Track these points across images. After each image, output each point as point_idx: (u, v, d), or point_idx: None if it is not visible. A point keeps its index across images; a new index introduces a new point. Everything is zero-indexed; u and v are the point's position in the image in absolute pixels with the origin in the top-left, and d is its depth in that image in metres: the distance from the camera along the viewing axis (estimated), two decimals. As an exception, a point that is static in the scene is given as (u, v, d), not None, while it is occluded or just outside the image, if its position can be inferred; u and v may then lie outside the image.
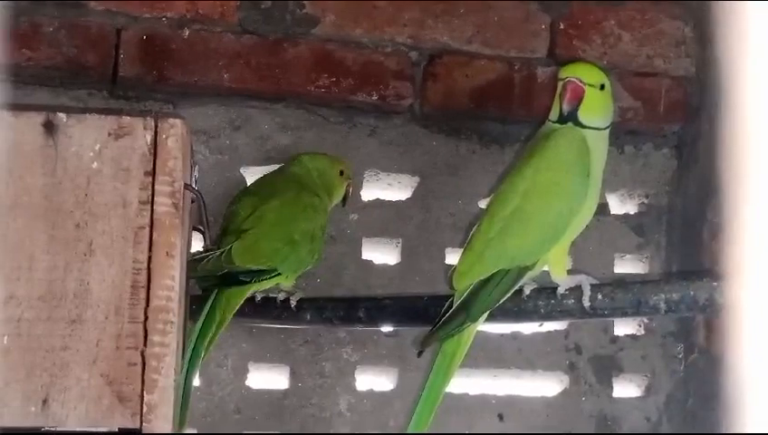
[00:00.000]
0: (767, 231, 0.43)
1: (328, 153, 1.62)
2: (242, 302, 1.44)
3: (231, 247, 1.41)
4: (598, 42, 1.77)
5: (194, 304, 1.39)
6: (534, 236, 1.25)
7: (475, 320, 1.27)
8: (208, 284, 1.41)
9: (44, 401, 1.04)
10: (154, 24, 1.63)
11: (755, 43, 0.43)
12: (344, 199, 1.62)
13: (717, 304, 1.17)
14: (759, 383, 0.44)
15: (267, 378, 1.68)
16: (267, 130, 1.69)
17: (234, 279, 1.41)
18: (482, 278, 1.26)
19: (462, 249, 1.32)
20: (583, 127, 1.28)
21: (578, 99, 1.28)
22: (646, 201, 1.81)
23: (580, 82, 1.28)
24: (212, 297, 1.40)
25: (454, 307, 1.27)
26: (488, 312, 1.28)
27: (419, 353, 1.32)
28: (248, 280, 1.42)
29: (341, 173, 1.60)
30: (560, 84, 1.30)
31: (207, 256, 1.40)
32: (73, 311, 1.05)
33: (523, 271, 1.26)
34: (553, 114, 1.31)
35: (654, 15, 1.79)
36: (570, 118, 1.28)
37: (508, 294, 1.26)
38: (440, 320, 1.27)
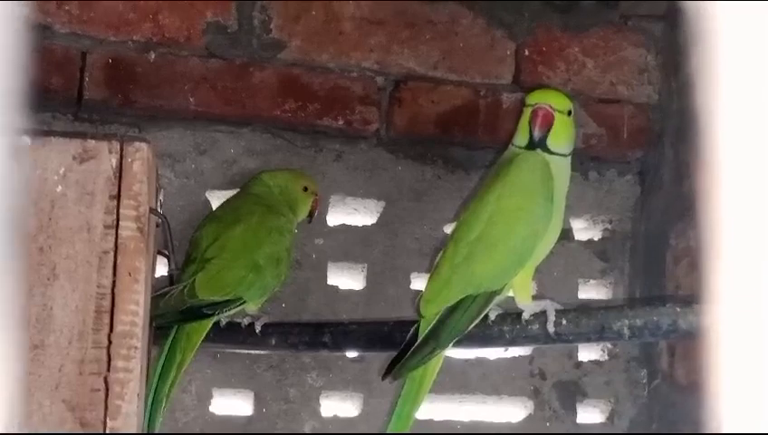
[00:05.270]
0: (743, 256, 0.43)
1: (290, 168, 1.61)
2: (203, 338, 1.41)
3: (194, 280, 1.38)
4: (562, 68, 1.79)
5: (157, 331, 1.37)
6: (501, 262, 1.25)
7: (444, 347, 1.26)
8: (167, 320, 1.37)
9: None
10: (119, 47, 1.63)
11: (728, 65, 0.44)
12: (311, 215, 1.61)
13: (681, 329, 1.18)
14: (731, 409, 0.44)
15: (232, 403, 1.66)
16: (233, 155, 1.68)
17: (197, 313, 1.38)
18: (449, 305, 1.26)
19: (428, 275, 1.32)
20: (550, 153, 1.29)
21: (549, 125, 1.28)
22: (609, 227, 1.82)
23: (550, 108, 1.28)
24: (171, 336, 1.38)
25: (422, 335, 1.26)
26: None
27: (385, 379, 1.31)
28: (212, 312, 1.39)
29: (306, 189, 1.58)
30: (528, 110, 1.29)
31: (169, 291, 1.37)
32: (36, 336, 1.04)
33: (491, 296, 1.25)
34: (520, 140, 1.30)
35: (617, 43, 1.81)
36: (539, 144, 1.28)
37: (477, 320, 1.26)
38: (408, 349, 1.26)
